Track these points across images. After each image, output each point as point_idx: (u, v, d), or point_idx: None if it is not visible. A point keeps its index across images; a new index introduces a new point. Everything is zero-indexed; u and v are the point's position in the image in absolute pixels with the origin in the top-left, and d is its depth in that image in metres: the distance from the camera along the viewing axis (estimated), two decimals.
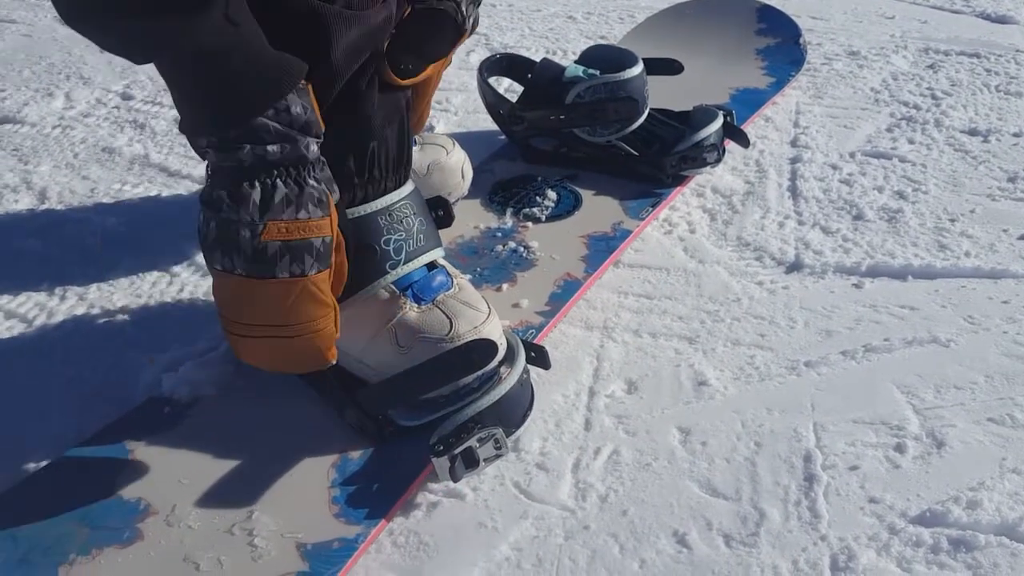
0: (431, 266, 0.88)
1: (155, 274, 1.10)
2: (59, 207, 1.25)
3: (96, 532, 0.74)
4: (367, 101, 0.83)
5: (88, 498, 0.77)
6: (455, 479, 0.77)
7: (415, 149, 1.13)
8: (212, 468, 0.80)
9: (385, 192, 0.85)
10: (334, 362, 0.77)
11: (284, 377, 0.89)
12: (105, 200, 1.27)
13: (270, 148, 0.70)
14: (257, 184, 0.70)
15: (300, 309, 0.73)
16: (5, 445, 0.86)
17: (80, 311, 1.04)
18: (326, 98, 0.78)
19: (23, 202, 1.26)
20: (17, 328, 1.02)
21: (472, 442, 0.77)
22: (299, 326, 0.74)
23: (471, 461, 0.77)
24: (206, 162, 0.73)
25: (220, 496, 0.78)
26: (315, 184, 0.72)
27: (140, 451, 0.82)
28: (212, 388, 0.89)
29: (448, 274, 0.88)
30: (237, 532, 0.74)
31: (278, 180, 0.71)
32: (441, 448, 0.76)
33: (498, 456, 0.79)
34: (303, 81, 0.72)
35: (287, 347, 0.75)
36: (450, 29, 0.94)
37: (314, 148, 0.72)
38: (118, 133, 1.44)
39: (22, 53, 1.75)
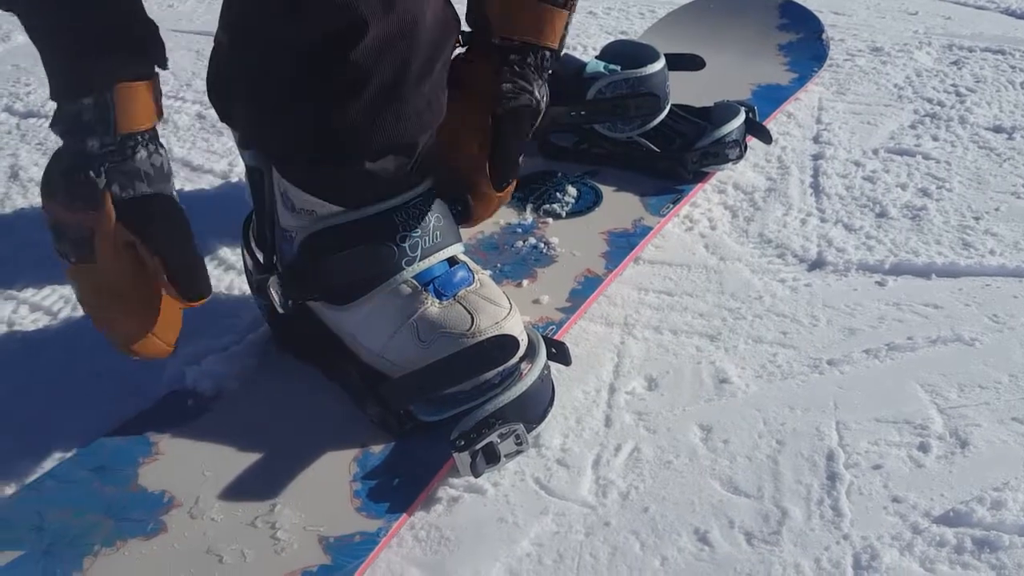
0: (452, 262, 0.88)
1: None
2: None
3: (120, 524, 0.75)
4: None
5: (112, 490, 0.78)
6: (476, 474, 0.77)
7: None
8: (235, 461, 0.81)
9: (401, 190, 0.85)
10: (140, 356, 0.81)
11: (306, 371, 0.90)
12: None
13: (56, 130, 0.74)
14: (66, 155, 0.74)
15: (87, 297, 0.80)
16: (30, 437, 0.86)
17: None
18: (355, 95, 0.79)
19: None
20: (42, 321, 1.03)
21: (493, 437, 0.77)
22: (98, 311, 0.80)
23: (492, 456, 0.77)
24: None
25: (243, 489, 0.78)
26: (84, 177, 0.74)
27: (163, 444, 0.83)
28: (235, 381, 0.90)
29: (469, 270, 0.88)
30: (260, 525, 0.75)
31: (62, 162, 0.74)
32: (462, 443, 0.76)
33: (519, 452, 0.79)
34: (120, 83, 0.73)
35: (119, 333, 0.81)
36: (529, 117, 0.95)
37: (94, 144, 0.73)
38: None
39: None
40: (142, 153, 0.75)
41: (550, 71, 0.94)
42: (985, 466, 0.81)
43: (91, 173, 0.73)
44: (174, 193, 0.80)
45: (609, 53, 1.27)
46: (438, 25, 0.83)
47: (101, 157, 0.74)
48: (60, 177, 0.74)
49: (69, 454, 0.83)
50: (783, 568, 0.73)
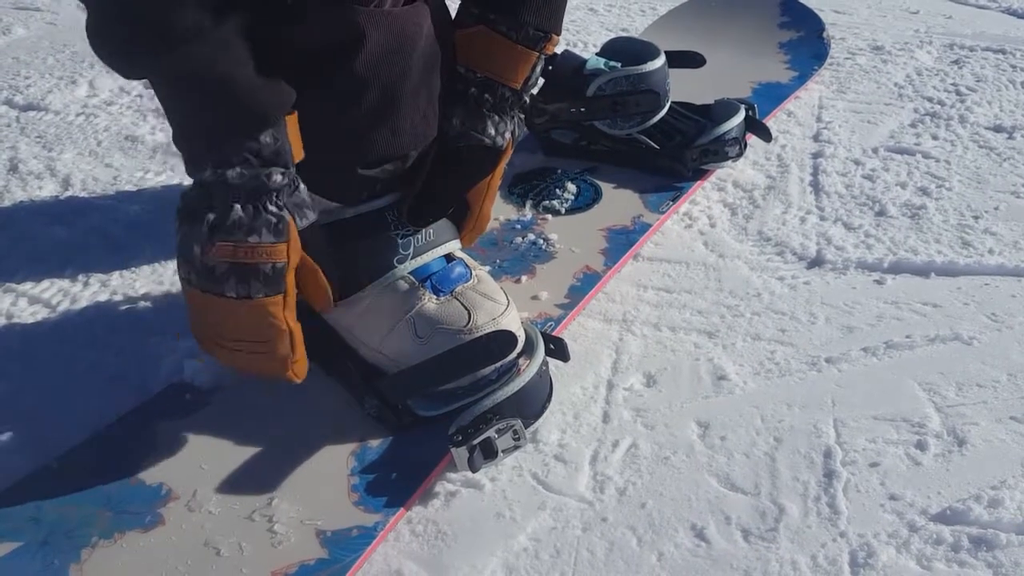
0: (449, 258, 0.88)
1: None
2: (82, 194, 1.26)
3: (118, 516, 0.75)
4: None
5: (110, 483, 0.78)
6: (474, 469, 0.77)
7: None
8: (233, 454, 0.81)
9: (395, 189, 0.85)
10: (299, 381, 0.78)
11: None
12: (128, 188, 1.28)
13: (230, 173, 0.71)
14: (215, 203, 0.71)
15: (250, 328, 0.74)
16: (28, 430, 0.86)
17: (103, 297, 1.05)
18: (352, 108, 0.79)
19: (47, 189, 1.27)
20: (41, 314, 1.03)
21: (491, 433, 0.77)
22: (251, 344, 0.75)
23: (489, 452, 0.77)
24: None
25: (240, 482, 0.78)
26: (275, 211, 0.72)
27: (162, 437, 0.83)
28: (233, 375, 0.90)
29: (467, 266, 0.88)
30: (257, 518, 0.75)
31: (235, 203, 0.71)
32: (460, 438, 0.77)
33: (516, 447, 0.79)
34: (284, 115, 0.72)
35: (245, 361, 0.77)
36: (486, 157, 0.89)
37: (278, 178, 0.72)
38: (141, 121, 1.45)
39: (46, 41, 1.76)
40: (302, 184, 0.75)
41: (517, 108, 0.89)
42: (982, 464, 0.81)
43: (279, 209, 0.73)
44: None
45: (609, 50, 1.27)
46: (437, 39, 0.83)
47: (282, 190, 0.73)
48: (245, 219, 0.71)
49: (67, 447, 0.83)
50: (780, 565, 0.73)
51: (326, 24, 0.75)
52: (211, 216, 0.71)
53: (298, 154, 0.74)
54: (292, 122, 0.73)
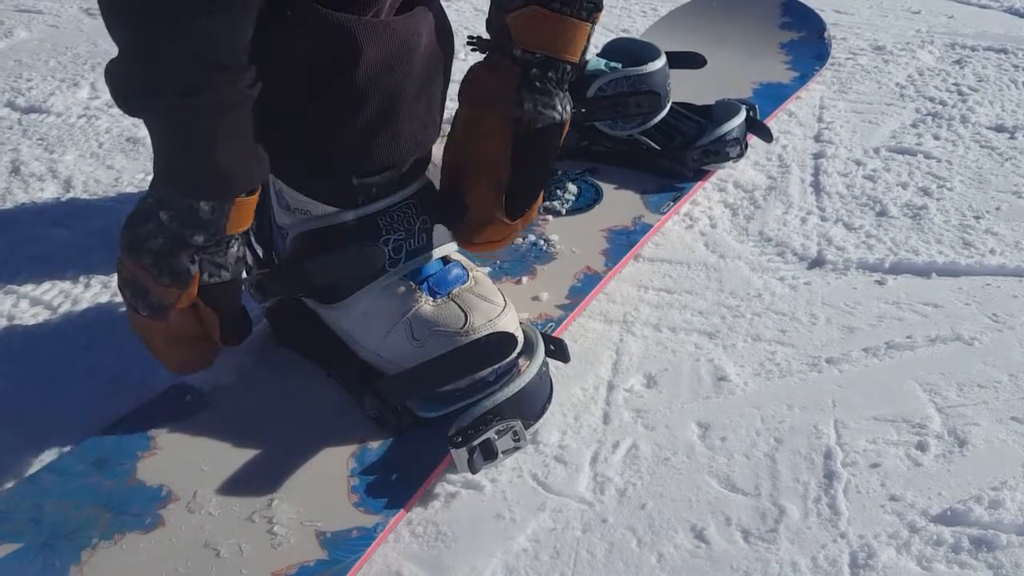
0: (446, 260, 0.88)
1: None
2: (84, 196, 1.27)
3: (118, 518, 0.75)
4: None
5: (110, 484, 0.78)
6: (473, 470, 0.77)
7: (439, 141, 1.12)
8: (233, 456, 0.81)
9: (387, 194, 0.85)
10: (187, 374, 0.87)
11: (304, 367, 0.90)
12: (129, 189, 1.28)
13: (162, 213, 0.74)
14: (148, 224, 0.75)
15: (142, 332, 0.82)
16: (29, 431, 0.87)
17: (104, 299, 1.05)
18: (351, 118, 0.79)
19: (48, 191, 1.28)
20: (42, 315, 1.03)
21: (490, 434, 0.77)
22: (155, 351, 0.84)
23: (489, 453, 0.77)
24: None
25: (240, 484, 0.78)
26: (184, 262, 0.76)
27: (162, 438, 0.83)
28: (233, 377, 0.90)
29: (464, 267, 0.88)
30: (257, 520, 0.75)
31: (159, 237, 0.75)
32: (460, 439, 0.77)
33: (516, 448, 0.79)
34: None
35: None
36: (556, 135, 0.86)
37: (199, 239, 0.75)
38: (142, 124, 1.45)
39: (48, 43, 1.77)
40: (233, 248, 0.79)
41: (567, 85, 0.89)
42: (983, 465, 0.81)
43: (190, 262, 0.76)
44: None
45: (610, 51, 1.27)
46: (435, 47, 0.83)
47: (201, 249, 0.76)
48: (156, 254, 0.75)
49: (68, 448, 0.83)
50: (780, 566, 0.73)
51: (324, 35, 0.75)
52: (131, 233, 0.76)
53: (237, 227, 0.77)
54: (246, 204, 0.76)
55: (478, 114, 0.86)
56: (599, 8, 0.85)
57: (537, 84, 0.84)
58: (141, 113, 0.74)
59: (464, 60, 1.59)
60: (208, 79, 0.69)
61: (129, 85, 0.71)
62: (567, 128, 0.88)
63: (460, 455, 0.77)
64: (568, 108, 0.87)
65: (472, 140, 0.87)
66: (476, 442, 0.77)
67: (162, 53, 0.68)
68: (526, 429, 0.79)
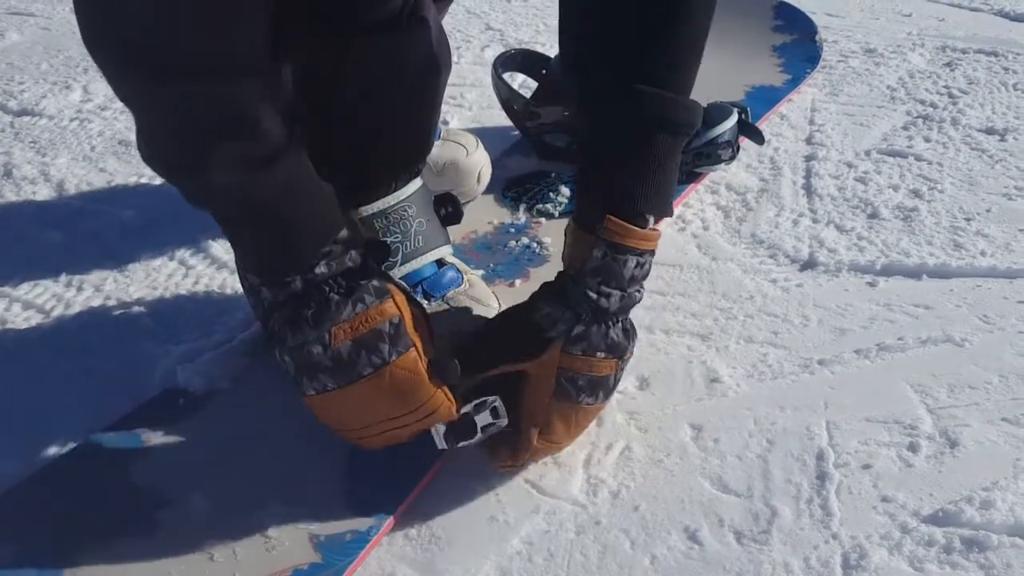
0: (441, 263, 0.89)
1: (171, 266, 1.11)
2: (76, 199, 1.26)
3: (112, 521, 0.75)
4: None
5: (104, 488, 0.78)
6: (450, 446, 0.76)
7: (436, 144, 1.13)
8: (226, 459, 0.81)
9: (381, 197, 0.85)
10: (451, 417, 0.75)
11: None
12: (122, 193, 1.28)
13: (318, 271, 0.70)
14: (312, 303, 0.70)
15: (404, 398, 0.72)
16: (22, 435, 0.86)
17: (97, 303, 1.05)
18: (337, 137, 0.79)
19: (41, 194, 1.27)
20: (35, 319, 1.03)
21: (468, 408, 0.76)
22: (411, 414, 0.73)
23: (468, 429, 0.76)
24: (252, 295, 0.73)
25: (234, 487, 0.78)
26: (364, 283, 0.71)
27: (155, 442, 0.83)
28: (227, 380, 0.90)
29: (458, 271, 0.88)
30: (251, 523, 0.75)
31: (329, 292, 0.70)
32: None
33: (495, 425, 0.77)
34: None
35: (398, 433, 0.74)
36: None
37: (356, 256, 0.71)
38: (135, 126, 1.45)
39: (40, 46, 1.76)
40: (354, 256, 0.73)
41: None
42: (974, 466, 0.82)
43: (370, 274, 0.71)
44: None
45: None
46: (427, 65, 0.83)
47: (365, 262, 0.72)
48: (341, 297, 0.70)
49: (61, 452, 0.83)
50: (772, 567, 0.73)
51: (317, 53, 0.75)
52: (310, 312, 0.69)
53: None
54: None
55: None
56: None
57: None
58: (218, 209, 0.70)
59: (457, 63, 1.59)
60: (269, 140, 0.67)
61: (208, 174, 0.67)
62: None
63: (437, 429, 0.75)
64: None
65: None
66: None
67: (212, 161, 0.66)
68: (505, 406, 0.77)
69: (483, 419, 0.77)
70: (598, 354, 0.76)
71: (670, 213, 0.77)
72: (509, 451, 0.79)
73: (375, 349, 0.69)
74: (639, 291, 0.78)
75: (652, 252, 0.77)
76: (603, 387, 0.78)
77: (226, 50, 0.62)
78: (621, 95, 0.71)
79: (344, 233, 0.71)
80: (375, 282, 0.70)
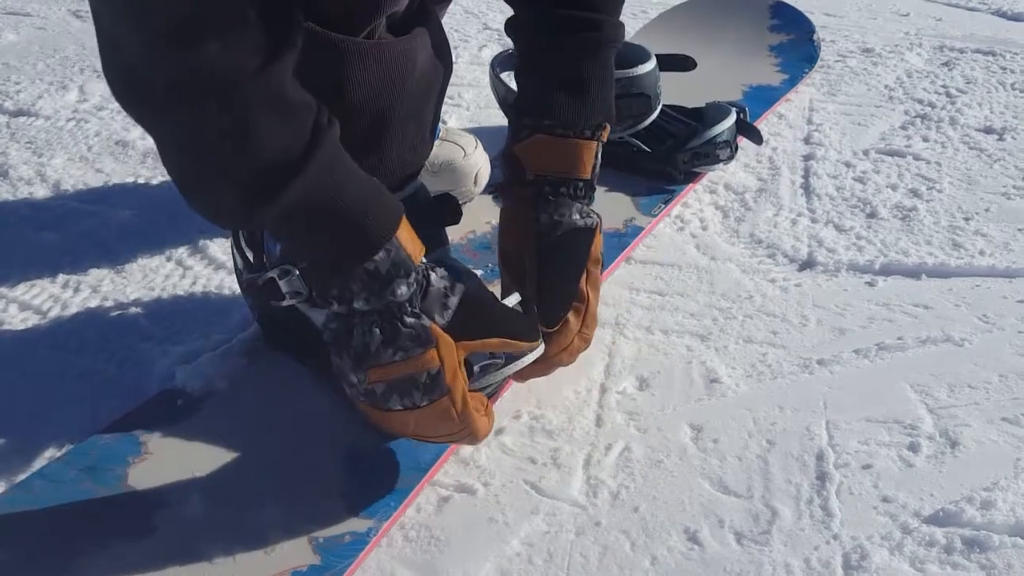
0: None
1: (168, 267, 1.11)
2: (73, 200, 1.26)
3: (109, 524, 0.75)
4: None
5: (101, 489, 0.78)
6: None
7: (435, 143, 1.12)
8: (224, 460, 0.80)
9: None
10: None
11: (296, 370, 0.89)
12: (119, 193, 1.28)
13: (357, 303, 0.70)
14: (355, 331, 0.70)
15: (429, 426, 0.73)
16: (19, 436, 0.86)
17: (94, 303, 1.05)
18: (341, 135, 0.78)
19: (37, 194, 1.27)
20: (32, 320, 1.02)
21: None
22: (437, 439, 0.76)
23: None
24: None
25: (232, 489, 0.78)
26: (412, 321, 0.70)
27: (153, 443, 0.82)
28: (225, 381, 0.90)
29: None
30: (249, 525, 0.74)
31: (373, 327, 0.70)
32: None
33: (493, 366, 0.78)
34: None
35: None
36: (581, 238, 0.86)
37: (403, 290, 0.70)
38: (132, 126, 1.45)
39: (36, 46, 1.76)
40: (433, 276, 0.73)
41: (586, 198, 0.87)
42: (975, 466, 0.82)
43: (415, 315, 0.71)
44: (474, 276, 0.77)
45: None
46: (430, 68, 0.82)
47: (412, 298, 0.71)
48: (385, 343, 0.70)
49: (59, 454, 0.83)
50: (773, 568, 0.73)
51: (316, 55, 0.75)
52: (354, 347, 0.70)
53: (417, 253, 0.72)
54: (404, 227, 0.71)
55: (505, 247, 0.89)
56: (603, 125, 0.86)
57: (551, 199, 0.86)
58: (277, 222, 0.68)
59: (455, 63, 1.59)
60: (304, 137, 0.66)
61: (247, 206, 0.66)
62: (599, 232, 0.87)
63: None
64: (593, 214, 0.87)
65: (511, 270, 0.89)
66: None
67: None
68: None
69: (478, 357, 0.77)
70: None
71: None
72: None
73: (408, 394, 0.71)
74: None
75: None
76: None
77: (221, 65, 0.62)
78: (591, 25, 0.84)
79: (382, 255, 0.69)
80: (417, 323, 0.70)
